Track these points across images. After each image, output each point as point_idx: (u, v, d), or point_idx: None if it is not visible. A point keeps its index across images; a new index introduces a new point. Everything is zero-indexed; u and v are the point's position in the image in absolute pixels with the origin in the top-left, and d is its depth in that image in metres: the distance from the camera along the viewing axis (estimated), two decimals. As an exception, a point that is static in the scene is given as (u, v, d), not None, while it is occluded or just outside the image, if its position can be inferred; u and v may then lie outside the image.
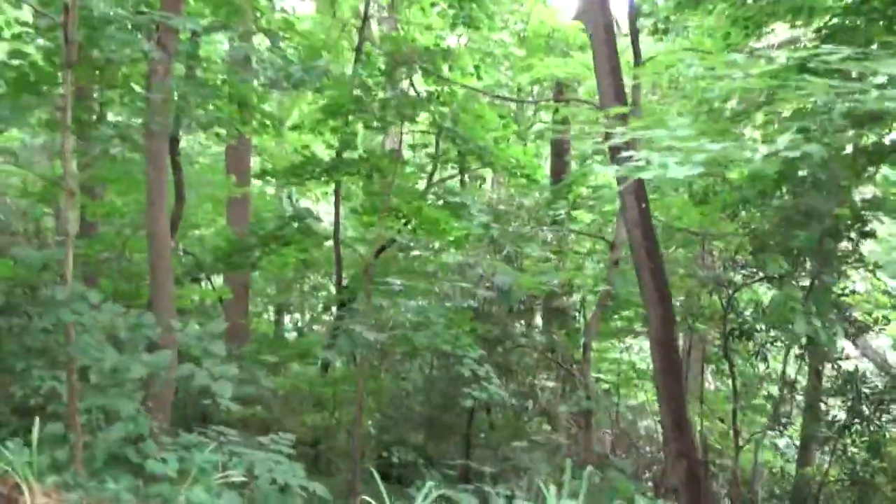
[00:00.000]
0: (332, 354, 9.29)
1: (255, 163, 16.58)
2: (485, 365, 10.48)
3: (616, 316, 15.02)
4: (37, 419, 5.05)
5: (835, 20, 9.42)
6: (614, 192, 13.74)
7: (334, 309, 19.98)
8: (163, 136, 9.01)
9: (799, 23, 11.76)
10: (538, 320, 15.36)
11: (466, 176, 15.60)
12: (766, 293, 13.25)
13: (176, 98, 9.37)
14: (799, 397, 13.28)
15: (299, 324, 20.04)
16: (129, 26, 8.10)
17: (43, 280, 7.59)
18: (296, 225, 10.83)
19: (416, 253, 13.86)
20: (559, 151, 16.43)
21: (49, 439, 5.48)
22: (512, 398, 12.20)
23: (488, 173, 18.32)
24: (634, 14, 7.32)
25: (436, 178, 13.96)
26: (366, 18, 14.72)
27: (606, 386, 16.23)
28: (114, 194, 11.82)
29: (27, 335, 6.78)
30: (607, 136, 7.04)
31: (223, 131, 10.26)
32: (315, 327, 19.65)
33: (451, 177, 15.56)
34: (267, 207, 17.11)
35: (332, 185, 13.81)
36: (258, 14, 10.43)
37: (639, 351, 17.15)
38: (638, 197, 6.70)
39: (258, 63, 8.46)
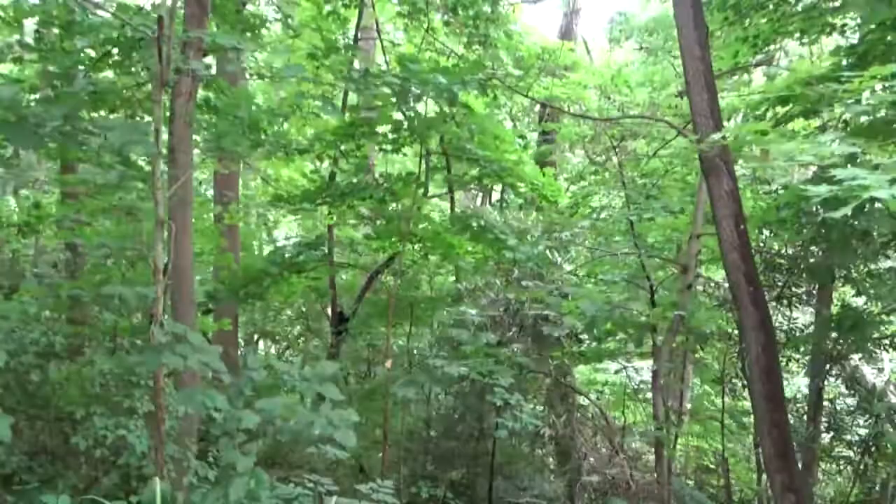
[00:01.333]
0: (406, 391, 8.76)
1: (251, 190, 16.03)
2: (514, 393, 10.16)
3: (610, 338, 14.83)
4: (157, 480, 4.51)
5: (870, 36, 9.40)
6: (621, 213, 13.65)
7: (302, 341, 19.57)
8: (186, 162, 8.45)
9: (806, 39, 11.86)
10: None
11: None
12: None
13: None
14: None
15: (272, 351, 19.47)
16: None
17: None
18: (315, 252, 10.34)
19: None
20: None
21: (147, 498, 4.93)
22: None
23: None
24: (707, 36, 7.07)
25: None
26: (356, 39, 14.36)
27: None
28: (113, 223, 11.12)
29: (85, 380, 6.19)
30: (701, 156, 6.82)
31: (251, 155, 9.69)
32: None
33: (434, 196, 15.23)
34: (247, 237, 16.56)
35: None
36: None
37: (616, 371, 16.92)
38: (736, 219, 6.44)
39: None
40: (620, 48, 18.75)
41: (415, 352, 11.22)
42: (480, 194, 19.20)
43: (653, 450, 14.91)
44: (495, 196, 18.69)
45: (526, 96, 11.90)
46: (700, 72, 6.57)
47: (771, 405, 6.38)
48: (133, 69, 8.66)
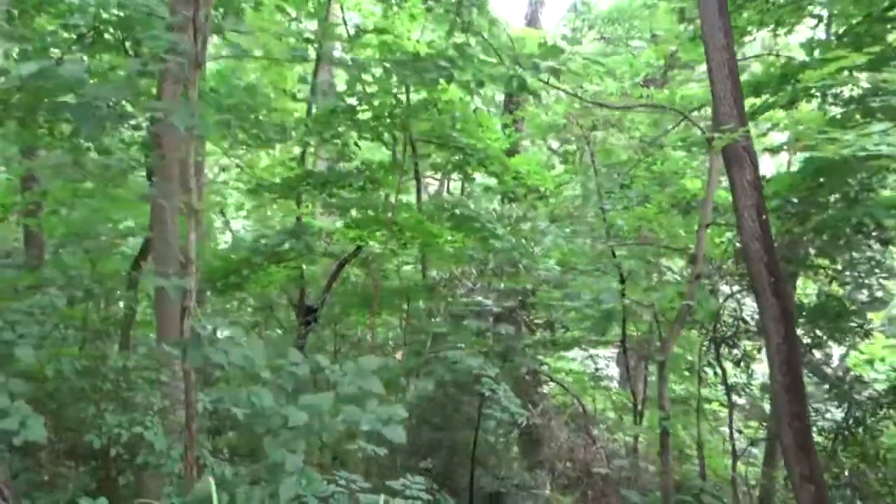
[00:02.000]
0: (425, 383, 8.60)
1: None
2: (502, 383, 10.08)
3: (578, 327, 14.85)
4: (210, 479, 4.29)
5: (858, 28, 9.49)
6: (594, 202, 13.67)
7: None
8: (175, 147, 8.10)
9: (782, 31, 12.02)
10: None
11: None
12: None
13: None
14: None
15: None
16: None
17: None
18: (298, 241, 10.10)
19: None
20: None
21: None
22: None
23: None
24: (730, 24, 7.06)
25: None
26: (326, 23, 14.07)
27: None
28: (82, 211, 10.67)
29: (96, 376, 5.91)
30: (723, 146, 6.79)
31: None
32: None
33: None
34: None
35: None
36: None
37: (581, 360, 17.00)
38: (758, 209, 6.44)
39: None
40: (584, 37, 18.80)
41: (404, 342, 11.02)
42: (438, 182, 19.06)
43: (616, 437, 15.07)
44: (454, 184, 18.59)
45: (547, 84, 11.77)
46: (724, 60, 6.55)
47: (791, 396, 6.41)
48: (126, 52, 8.31)
